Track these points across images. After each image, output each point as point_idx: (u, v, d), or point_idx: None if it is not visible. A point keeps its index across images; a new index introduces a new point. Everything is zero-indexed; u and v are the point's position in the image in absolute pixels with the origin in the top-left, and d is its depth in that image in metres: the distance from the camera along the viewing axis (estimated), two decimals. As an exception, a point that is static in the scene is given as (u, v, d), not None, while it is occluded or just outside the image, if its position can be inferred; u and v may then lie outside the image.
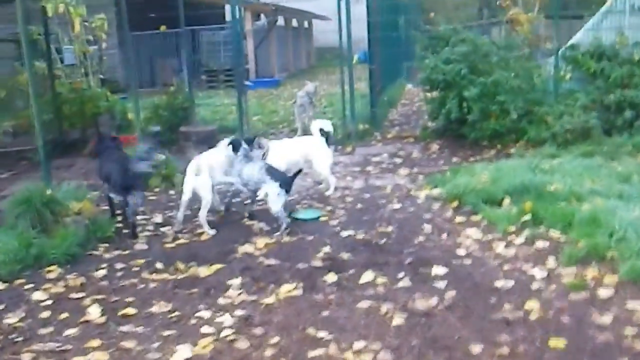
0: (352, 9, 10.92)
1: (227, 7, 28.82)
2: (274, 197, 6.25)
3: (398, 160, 9.56)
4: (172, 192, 8.22)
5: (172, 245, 6.18)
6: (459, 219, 6.47)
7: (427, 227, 6.26)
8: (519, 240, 5.73)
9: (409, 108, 14.97)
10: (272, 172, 6.41)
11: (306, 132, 11.10)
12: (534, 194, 6.63)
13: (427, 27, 13.17)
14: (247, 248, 5.92)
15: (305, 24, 34.90)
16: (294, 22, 32.27)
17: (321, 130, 7.61)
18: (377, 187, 8.03)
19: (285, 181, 6.34)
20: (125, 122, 12.08)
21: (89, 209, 6.32)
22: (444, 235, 6.02)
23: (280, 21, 28.81)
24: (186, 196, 6.56)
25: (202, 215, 6.49)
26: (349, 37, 11.05)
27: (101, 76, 15.61)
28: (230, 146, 6.58)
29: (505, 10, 12.13)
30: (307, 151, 7.60)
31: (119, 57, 19.54)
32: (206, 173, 6.52)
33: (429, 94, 11.20)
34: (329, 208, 7.15)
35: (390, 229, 6.27)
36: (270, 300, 4.73)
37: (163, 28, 15.15)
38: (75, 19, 12.56)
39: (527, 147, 9.59)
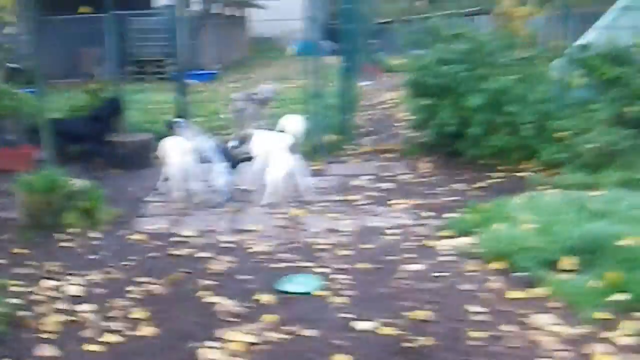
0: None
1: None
2: None
3: (385, 186, 7.58)
4: (94, 234, 5.97)
5: (97, 347, 3.97)
6: (515, 294, 4.52)
7: (476, 310, 4.28)
8: (623, 338, 3.85)
9: (373, 112, 12.94)
10: None
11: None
12: (605, 252, 4.83)
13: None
14: (214, 354, 3.81)
15: (240, 12, 32.49)
16: (228, 10, 29.86)
17: None
18: (376, 230, 5.99)
19: None
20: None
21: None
22: (507, 327, 4.05)
23: (214, 9, 26.36)
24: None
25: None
26: (314, 22, 9.06)
27: (14, 65, 13.13)
28: None
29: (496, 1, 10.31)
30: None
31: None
32: None
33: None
34: (321, 269, 5.07)
35: (424, 313, 4.24)
36: None
37: (84, 10, 12.67)
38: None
39: (541, 170, 7.83)
